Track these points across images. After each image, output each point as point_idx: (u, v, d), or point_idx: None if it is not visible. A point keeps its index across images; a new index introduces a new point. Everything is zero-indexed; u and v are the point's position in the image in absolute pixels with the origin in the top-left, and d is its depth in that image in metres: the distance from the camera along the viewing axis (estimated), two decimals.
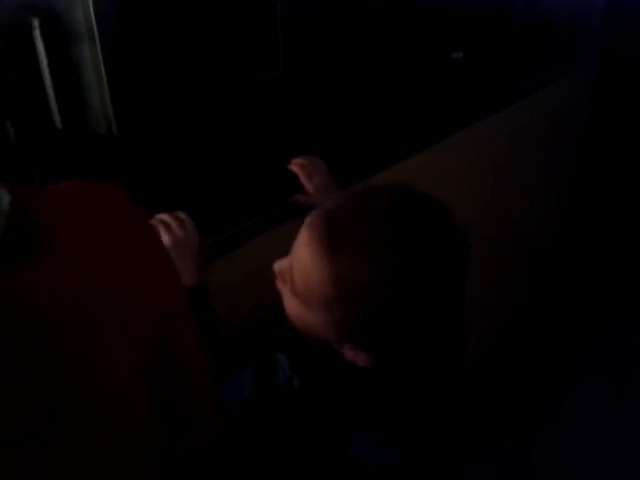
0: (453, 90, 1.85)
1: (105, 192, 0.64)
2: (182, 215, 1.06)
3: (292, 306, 0.88)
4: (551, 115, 2.21)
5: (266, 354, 0.93)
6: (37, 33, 1.18)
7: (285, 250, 0.90)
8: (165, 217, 1.05)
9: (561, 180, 2.59)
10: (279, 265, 0.90)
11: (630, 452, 2.13)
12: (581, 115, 2.50)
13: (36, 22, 1.18)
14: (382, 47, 2.02)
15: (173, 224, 1.03)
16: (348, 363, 0.86)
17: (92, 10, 1.12)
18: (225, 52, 1.34)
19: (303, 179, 1.17)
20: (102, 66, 1.16)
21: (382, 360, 0.84)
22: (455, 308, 0.85)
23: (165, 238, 1.01)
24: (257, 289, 1.18)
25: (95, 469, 0.60)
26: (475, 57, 2.08)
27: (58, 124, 1.24)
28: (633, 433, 2.20)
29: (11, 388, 0.50)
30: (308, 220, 0.85)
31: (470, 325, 0.98)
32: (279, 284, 0.91)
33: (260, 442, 0.89)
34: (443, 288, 0.80)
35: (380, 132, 1.54)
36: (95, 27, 1.13)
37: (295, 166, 1.19)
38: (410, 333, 0.81)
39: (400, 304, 0.78)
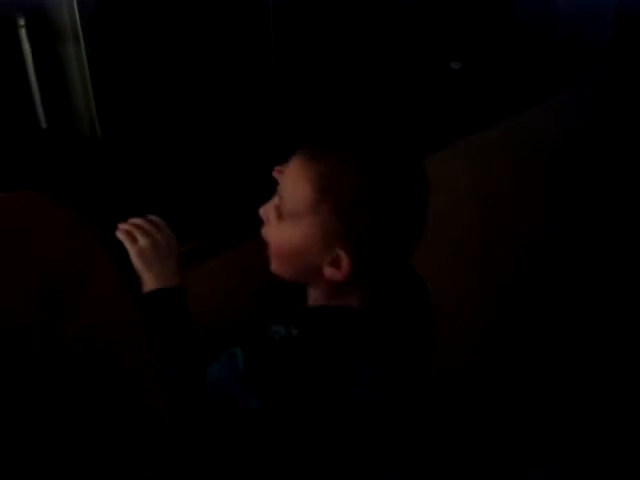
0: (450, 100, 1.83)
1: (40, 205, 0.58)
2: (156, 219, 1.06)
3: (279, 233, 0.99)
4: (551, 128, 2.19)
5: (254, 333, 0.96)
6: (23, 32, 1.17)
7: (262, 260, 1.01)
8: (139, 221, 1.05)
9: (560, 195, 2.58)
10: (264, 208, 1.03)
11: None
12: (582, 128, 2.49)
13: (22, 20, 1.17)
14: (378, 54, 2.00)
15: (149, 227, 1.03)
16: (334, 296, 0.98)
17: (76, 9, 1.11)
18: (213, 55, 1.33)
19: None
20: (86, 67, 1.15)
21: (361, 264, 0.94)
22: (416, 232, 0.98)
23: (143, 242, 1.01)
24: (235, 296, 1.17)
25: None
26: (474, 68, 2.07)
27: (43, 124, 1.23)
28: None
29: None
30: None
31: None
32: (265, 228, 1.03)
33: (270, 401, 0.88)
34: (410, 195, 0.95)
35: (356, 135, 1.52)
36: (79, 26, 1.12)
37: (278, 173, 1.17)
38: (382, 227, 0.93)
39: (372, 198, 0.91)
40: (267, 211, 1.02)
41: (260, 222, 1.06)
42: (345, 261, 0.93)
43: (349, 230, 0.92)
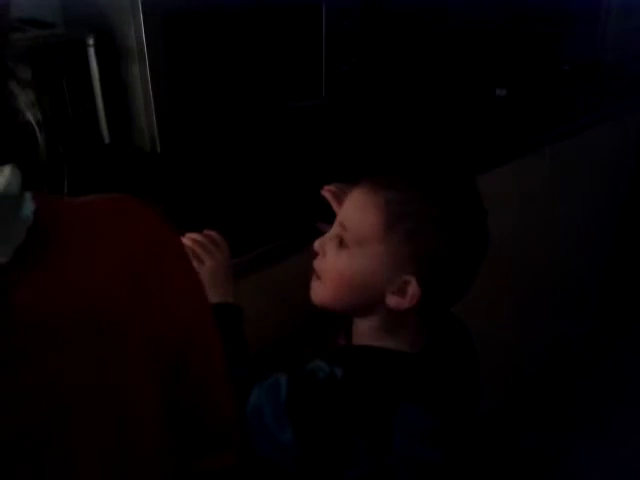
0: (493, 126, 1.86)
1: (134, 208, 0.65)
2: (215, 236, 1.08)
3: (340, 263, 0.96)
4: (596, 157, 2.19)
5: (297, 364, 0.95)
6: (91, 50, 1.24)
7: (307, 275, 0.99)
8: (200, 238, 1.07)
9: (605, 229, 2.57)
10: (319, 241, 1.01)
11: None
12: (629, 158, 2.48)
13: (91, 40, 1.24)
14: (424, 80, 2.05)
15: (211, 247, 1.06)
16: (390, 349, 0.95)
17: (143, 31, 1.17)
18: (269, 78, 1.39)
19: (335, 206, 1.19)
20: (150, 86, 1.22)
21: (427, 292, 0.91)
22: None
23: (206, 262, 1.03)
24: (279, 309, 1.21)
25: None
26: (519, 95, 2.09)
27: (106, 139, 1.30)
28: None
29: (12, 391, 0.51)
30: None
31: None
32: (319, 260, 1.01)
33: (305, 439, 0.88)
34: (475, 221, 0.95)
35: (416, 164, 1.56)
36: (145, 48, 1.19)
37: (327, 192, 1.21)
38: (450, 253, 0.91)
39: (442, 223, 0.91)
40: (323, 243, 1.00)
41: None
42: (413, 286, 0.90)
43: (419, 255, 0.90)
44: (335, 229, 1.00)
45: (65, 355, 0.54)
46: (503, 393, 2.29)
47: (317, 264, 1.01)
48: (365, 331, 0.99)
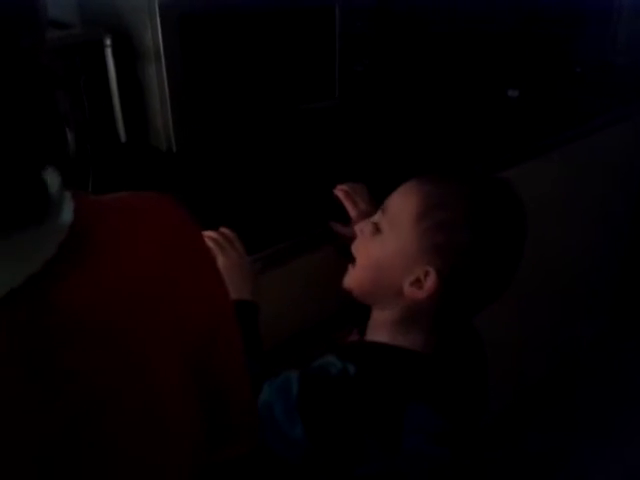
0: (505, 127, 1.87)
1: (163, 205, 0.67)
2: (229, 232, 1.10)
3: (372, 246, 0.99)
4: (608, 159, 2.20)
5: (308, 360, 0.97)
6: (108, 51, 1.26)
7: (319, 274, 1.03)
8: (214, 235, 1.09)
9: (616, 231, 2.57)
10: (360, 223, 1.05)
11: None
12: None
13: (108, 40, 1.26)
14: (437, 80, 2.06)
15: (226, 245, 1.07)
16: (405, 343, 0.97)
17: (160, 32, 1.19)
18: (283, 78, 1.40)
19: (348, 205, 1.20)
20: (166, 86, 1.23)
21: (448, 290, 0.93)
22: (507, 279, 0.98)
23: (221, 259, 1.04)
24: (291, 307, 1.23)
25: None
26: (531, 96, 2.10)
27: (122, 138, 1.32)
28: None
29: (46, 385, 0.53)
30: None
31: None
32: (356, 242, 1.05)
33: (316, 435, 0.89)
34: (508, 227, 0.96)
35: (428, 165, 1.57)
36: (161, 49, 1.20)
37: (339, 192, 1.22)
38: (478, 258, 0.92)
39: (474, 221, 0.92)
40: (363, 226, 1.04)
41: (330, 238, 1.11)
42: (432, 278, 0.92)
43: (444, 248, 0.92)
44: (376, 215, 1.03)
45: (97, 351, 0.55)
46: (511, 394, 2.30)
47: (354, 247, 1.05)
48: (380, 326, 1.01)
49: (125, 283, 0.58)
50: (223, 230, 1.11)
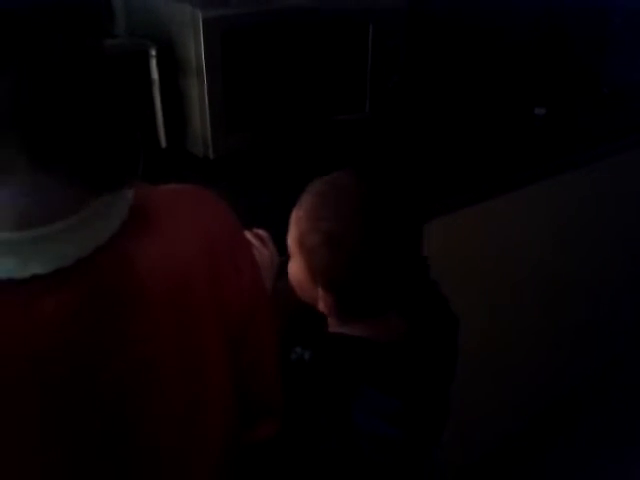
0: (530, 144, 1.91)
1: (210, 197, 0.75)
2: (262, 233, 1.16)
3: (290, 267, 1.04)
4: (631, 180, 2.21)
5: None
6: (153, 61, 1.34)
7: None
8: (248, 234, 1.14)
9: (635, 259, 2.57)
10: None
11: None
12: None
13: (153, 51, 1.34)
14: (465, 97, 2.11)
15: (257, 243, 1.14)
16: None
17: (202, 44, 1.26)
18: (316, 91, 1.47)
19: None
20: (206, 97, 1.30)
21: (342, 303, 0.97)
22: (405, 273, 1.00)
23: (254, 254, 1.11)
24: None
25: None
26: (557, 115, 2.14)
27: (163, 143, 1.39)
28: None
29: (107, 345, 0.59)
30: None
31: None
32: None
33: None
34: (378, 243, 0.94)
35: (453, 178, 1.62)
36: (204, 61, 1.28)
37: None
38: (353, 272, 0.94)
39: (339, 242, 0.93)
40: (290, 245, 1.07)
41: None
42: (324, 298, 0.97)
43: (321, 271, 0.96)
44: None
45: (152, 319, 0.62)
46: (526, 418, 2.34)
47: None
48: (330, 321, 1.06)
49: (180, 254, 0.64)
50: (257, 231, 1.17)
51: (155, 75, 1.35)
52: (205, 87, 1.29)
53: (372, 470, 0.98)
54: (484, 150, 1.84)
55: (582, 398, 2.56)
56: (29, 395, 0.56)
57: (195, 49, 1.28)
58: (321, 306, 0.99)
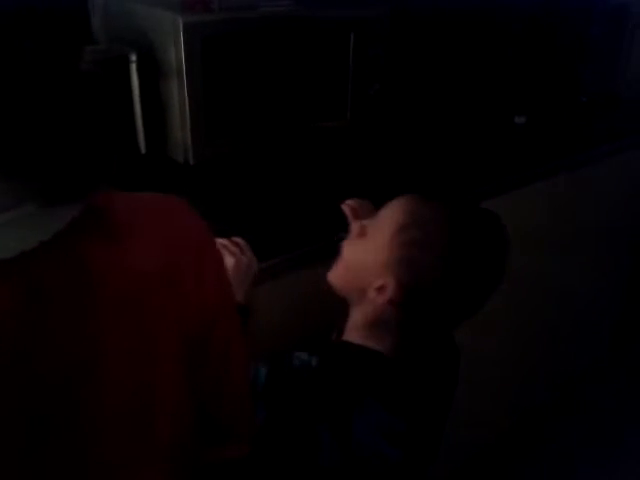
0: (510, 152, 1.92)
1: (178, 205, 0.74)
2: (240, 241, 1.16)
3: (353, 247, 1.08)
4: (610, 189, 2.23)
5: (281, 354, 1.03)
6: (133, 66, 1.33)
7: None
8: (225, 242, 1.14)
9: (619, 260, 2.59)
10: (361, 223, 1.10)
11: None
12: None
13: (133, 56, 1.33)
14: (446, 106, 2.12)
15: (235, 250, 1.13)
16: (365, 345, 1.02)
17: (183, 50, 1.26)
18: (297, 98, 1.47)
19: (350, 220, 1.25)
20: (187, 102, 1.30)
21: (412, 299, 0.99)
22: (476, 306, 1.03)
23: (230, 261, 1.10)
24: (294, 314, 1.28)
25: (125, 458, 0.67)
26: (537, 123, 2.16)
27: (142, 149, 1.39)
28: None
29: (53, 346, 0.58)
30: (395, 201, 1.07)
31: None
32: (349, 240, 1.11)
33: (275, 420, 0.95)
34: (483, 257, 1.00)
35: (433, 186, 1.63)
36: (184, 67, 1.27)
37: (346, 207, 1.28)
38: (445, 278, 0.98)
39: (444, 250, 0.97)
40: (354, 226, 1.12)
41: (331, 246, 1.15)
42: (392, 288, 0.98)
43: (413, 263, 0.97)
44: (366, 220, 1.10)
45: (98, 320, 0.61)
46: (507, 423, 2.34)
47: (343, 245, 1.12)
48: (353, 328, 1.07)
49: (137, 263, 0.63)
50: (235, 239, 1.16)
51: (135, 81, 1.34)
52: (185, 93, 1.29)
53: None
54: (464, 159, 1.85)
55: (565, 402, 2.58)
56: None
57: (176, 54, 1.28)
58: (372, 295, 1.00)
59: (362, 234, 1.07)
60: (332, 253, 1.15)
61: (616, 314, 2.76)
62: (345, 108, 1.56)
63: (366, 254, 1.03)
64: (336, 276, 1.10)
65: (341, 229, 1.26)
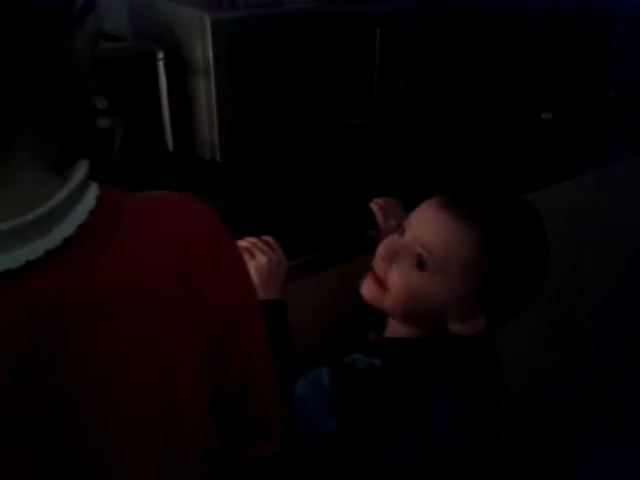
0: (537, 149, 1.90)
1: (192, 203, 0.71)
2: (271, 240, 1.15)
3: (415, 281, 0.96)
4: (636, 187, 2.21)
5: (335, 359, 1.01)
6: (161, 64, 1.33)
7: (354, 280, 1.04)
8: (256, 241, 1.14)
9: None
10: (388, 246, 1.00)
11: None
12: None
13: (161, 54, 1.33)
14: (473, 102, 2.10)
15: (266, 248, 1.12)
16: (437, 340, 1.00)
17: (210, 48, 1.26)
18: (323, 95, 1.47)
19: (379, 219, 1.24)
20: (214, 100, 1.30)
21: (493, 325, 0.97)
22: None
23: (262, 260, 1.10)
24: (324, 312, 1.28)
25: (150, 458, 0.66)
26: (564, 119, 2.14)
27: (170, 147, 1.39)
28: None
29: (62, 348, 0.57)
30: (428, 201, 1.00)
31: None
32: (382, 266, 1.00)
33: (349, 425, 0.92)
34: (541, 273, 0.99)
35: (460, 183, 1.61)
36: (211, 64, 1.27)
37: (374, 205, 1.27)
38: (520, 300, 0.98)
39: (527, 267, 0.96)
40: (394, 253, 0.99)
41: (365, 247, 1.13)
42: (483, 320, 0.95)
43: (494, 294, 0.95)
44: (413, 246, 0.97)
45: (113, 326, 0.60)
46: (526, 421, 2.32)
47: (381, 270, 1.00)
48: (397, 325, 1.04)
49: (145, 265, 0.61)
50: (265, 237, 1.16)
51: (162, 78, 1.34)
52: (213, 90, 1.29)
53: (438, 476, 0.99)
54: (491, 155, 1.83)
55: (584, 401, 2.55)
56: None
57: (203, 52, 1.28)
58: (457, 327, 0.97)
59: (420, 265, 0.95)
60: (359, 251, 1.14)
61: (637, 313, 2.73)
62: (371, 105, 1.55)
63: (438, 289, 0.95)
64: (394, 305, 1.00)
65: (369, 227, 1.26)
